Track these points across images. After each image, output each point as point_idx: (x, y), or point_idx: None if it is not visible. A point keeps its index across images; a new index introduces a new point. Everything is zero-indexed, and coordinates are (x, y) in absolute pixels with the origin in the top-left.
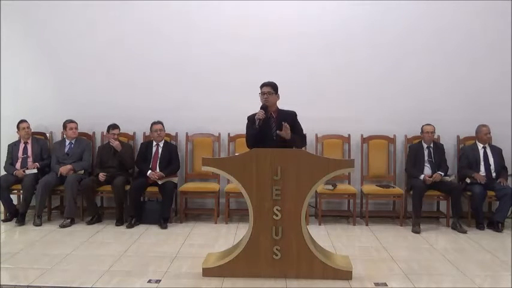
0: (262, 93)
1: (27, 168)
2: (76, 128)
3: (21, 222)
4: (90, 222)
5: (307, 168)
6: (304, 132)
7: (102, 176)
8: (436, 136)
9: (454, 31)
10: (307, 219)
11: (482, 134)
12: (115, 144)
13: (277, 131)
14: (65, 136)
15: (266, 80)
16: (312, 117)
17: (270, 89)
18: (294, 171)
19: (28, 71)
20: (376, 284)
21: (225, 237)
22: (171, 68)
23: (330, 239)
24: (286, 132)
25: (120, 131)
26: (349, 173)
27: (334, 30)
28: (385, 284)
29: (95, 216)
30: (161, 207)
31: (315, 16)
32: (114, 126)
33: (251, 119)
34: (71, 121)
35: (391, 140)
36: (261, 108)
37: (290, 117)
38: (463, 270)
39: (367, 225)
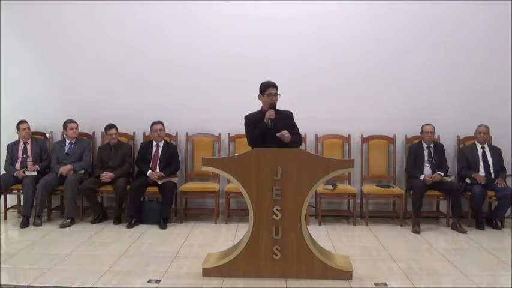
0: (270, 94)
1: (27, 169)
2: (76, 128)
3: (25, 224)
4: (94, 221)
5: (307, 168)
6: (300, 131)
7: (106, 177)
8: (436, 136)
9: (454, 31)
10: (307, 219)
11: (478, 134)
12: (107, 179)
13: (277, 134)
14: (65, 136)
15: (266, 80)
16: (312, 117)
17: (276, 90)
18: (294, 171)
19: (28, 71)
20: (376, 284)
21: (225, 237)
22: (171, 68)
23: (330, 239)
24: (284, 138)
25: (118, 131)
26: (349, 173)
27: (334, 30)
28: (385, 284)
29: (100, 215)
30: (161, 207)
31: (314, 16)
32: (109, 126)
33: (251, 119)
34: (72, 121)
35: (391, 140)
36: (270, 107)
37: (287, 117)
38: (463, 270)
39: (367, 225)
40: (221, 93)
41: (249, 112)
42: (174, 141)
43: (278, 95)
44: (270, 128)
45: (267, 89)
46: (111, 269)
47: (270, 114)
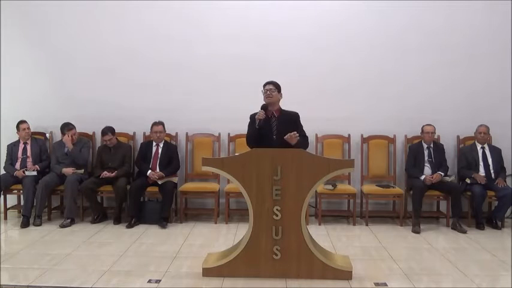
0: (265, 91)
1: (27, 169)
2: (75, 134)
3: (25, 224)
4: (94, 221)
5: (307, 168)
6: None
7: (104, 174)
8: (436, 136)
9: (454, 31)
10: (307, 219)
11: (478, 134)
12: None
13: (285, 137)
14: None
15: (268, 80)
16: (312, 117)
17: (273, 86)
18: (294, 171)
19: (28, 71)
20: (376, 284)
21: (225, 237)
22: (171, 68)
23: (330, 239)
24: (292, 139)
25: (118, 131)
26: (349, 173)
27: (334, 31)
28: (385, 284)
29: (100, 215)
30: (161, 207)
31: (314, 17)
32: (104, 132)
33: (253, 117)
34: (70, 128)
35: (391, 140)
36: (261, 108)
37: (293, 118)
38: (463, 270)
39: (367, 225)
40: (221, 93)
41: (249, 112)
42: (174, 141)
43: (279, 94)
44: (259, 129)
45: (264, 86)
46: (111, 269)
47: (259, 115)
